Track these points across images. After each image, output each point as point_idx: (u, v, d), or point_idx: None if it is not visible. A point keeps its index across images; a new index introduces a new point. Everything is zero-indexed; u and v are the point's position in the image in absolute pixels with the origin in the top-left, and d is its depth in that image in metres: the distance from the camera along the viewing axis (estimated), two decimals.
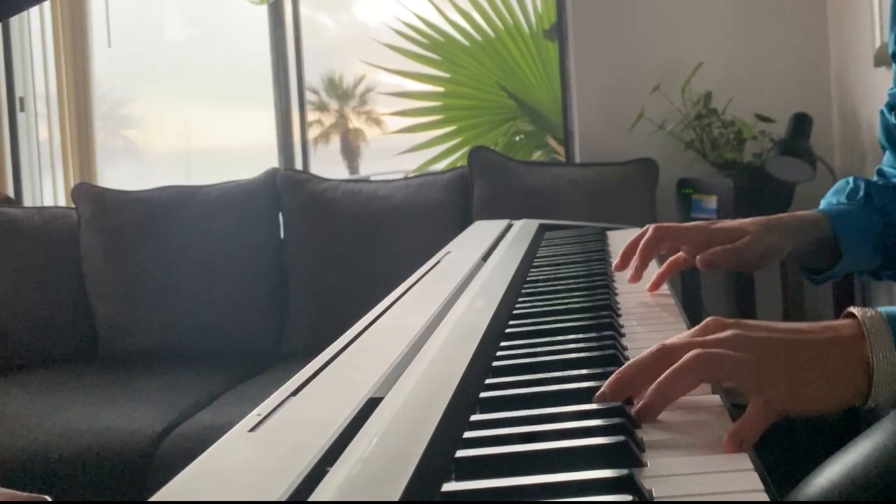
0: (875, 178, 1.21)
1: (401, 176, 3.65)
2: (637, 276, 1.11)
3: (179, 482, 0.51)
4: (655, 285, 1.09)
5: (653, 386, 0.66)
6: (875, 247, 1.13)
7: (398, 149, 4.57)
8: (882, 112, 1.19)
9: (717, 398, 0.69)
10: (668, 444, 0.62)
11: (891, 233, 1.14)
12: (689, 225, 1.10)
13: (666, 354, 0.68)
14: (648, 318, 0.99)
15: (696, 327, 0.72)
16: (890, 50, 1.18)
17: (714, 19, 2.96)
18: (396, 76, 4.57)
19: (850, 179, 1.19)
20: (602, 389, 0.67)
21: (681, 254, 1.10)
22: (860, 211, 1.14)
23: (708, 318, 0.72)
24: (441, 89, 4.46)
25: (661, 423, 0.65)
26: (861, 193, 1.15)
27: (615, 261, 1.16)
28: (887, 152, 1.22)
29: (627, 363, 0.69)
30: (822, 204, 1.18)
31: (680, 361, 0.66)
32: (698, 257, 1.06)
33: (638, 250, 1.11)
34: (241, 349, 2.83)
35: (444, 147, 4.34)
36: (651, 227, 1.10)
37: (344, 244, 2.83)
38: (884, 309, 0.71)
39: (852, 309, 0.71)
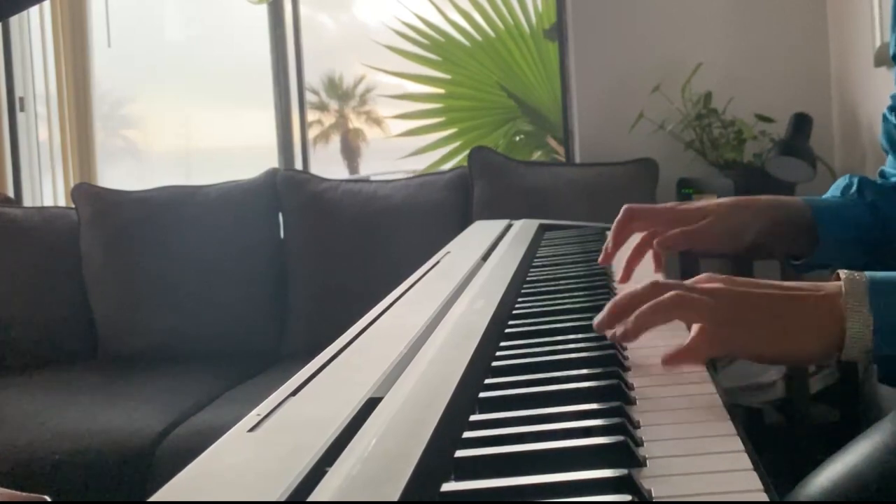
0: (877, 178, 1.22)
1: (401, 176, 3.65)
2: (609, 258, 1.14)
3: (179, 482, 0.51)
4: (626, 275, 1.11)
5: (633, 314, 0.74)
6: (861, 240, 1.13)
7: (398, 149, 4.57)
8: (885, 115, 1.19)
9: (717, 398, 0.70)
10: (668, 443, 0.62)
11: (880, 228, 1.14)
12: (658, 206, 1.13)
13: (657, 290, 0.75)
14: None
15: (692, 279, 0.77)
16: (891, 51, 1.19)
17: (714, 19, 2.96)
18: (397, 77, 4.57)
19: (847, 176, 1.20)
20: (600, 316, 0.77)
21: (644, 236, 1.11)
22: (849, 204, 1.15)
23: (703, 273, 0.78)
24: (441, 91, 4.45)
25: (661, 423, 0.65)
26: (854, 189, 1.16)
27: (615, 267, 1.18)
28: (890, 156, 1.22)
29: (622, 293, 0.78)
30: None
31: (661, 297, 0.74)
32: (655, 241, 1.08)
33: (612, 233, 1.13)
34: (241, 349, 2.83)
35: (445, 150, 4.34)
36: (623, 208, 1.12)
37: (344, 244, 2.84)
38: (871, 273, 0.74)
39: (840, 271, 0.75)
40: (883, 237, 1.14)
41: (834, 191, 1.19)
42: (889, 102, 1.18)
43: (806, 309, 0.73)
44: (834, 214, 1.11)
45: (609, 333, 0.76)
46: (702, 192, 2.71)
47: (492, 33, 4.29)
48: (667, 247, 1.08)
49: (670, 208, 1.11)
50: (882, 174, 1.22)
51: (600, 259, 1.16)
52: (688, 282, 0.76)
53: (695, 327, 0.75)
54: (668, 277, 1.16)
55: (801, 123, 2.64)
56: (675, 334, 0.81)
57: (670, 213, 1.10)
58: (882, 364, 0.75)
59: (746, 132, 2.76)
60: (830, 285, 0.74)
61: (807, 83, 2.89)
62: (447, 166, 4.27)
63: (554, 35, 3.62)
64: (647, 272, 1.13)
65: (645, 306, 0.74)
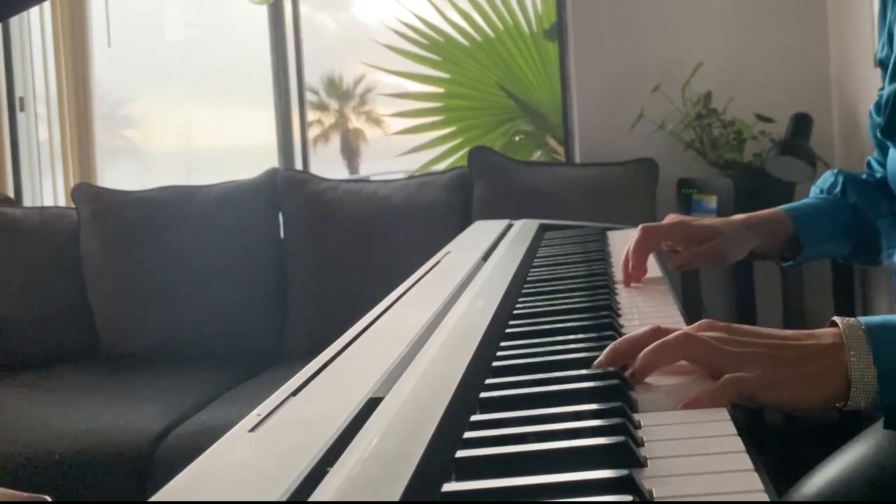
0: (865, 170, 1.33)
1: (401, 176, 3.65)
2: (637, 278, 1.19)
3: (179, 482, 0.52)
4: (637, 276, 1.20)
5: (641, 354, 0.75)
6: (844, 237, 1.27)
7: (399, 149, 4.57)
8: (870, 112, 1.24)
9: None
10: (669, 443, 0.62)
11: (861, 225, 1.26)
12: (671, 223, 1.24)
13: (659, 334, 0.76)
14: (648, 317, 0.99)
15: (692, 325, 0.78)
16: (877, 56, 1.23)
17: (714, 19, 2.96)
18: (396, 76, 4.57)
19: (834, 173, 1.31)
20: (599, 359, 0.77)
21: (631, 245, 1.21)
22: (831, 206, 1.27)
23: (702, 320, 0.78)
24: (441, 90, 4.45)
25: (661, 423, 0.65)
26: (838, 189, 1.29)
27: (615, 268, 1.22)
28: (876, 149, 1.32)
29: (622, 337, 0.78)
30: (812, 190, 1.34)
31: (668, 336, 0.75)
32: (670, 263, 1.24)
33: (631, 253, 1.19)
34: (241, 349, 2.83)
35: (444, 148, 4.34)
36: (639, 229, 1.21)
37: (344, 244, 2.83)
38: (864, 319, 0.75)
39: (835, 318, 0.76)
40: (864, 230, 1.26)
41: (822, 183, 1.32)
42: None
43: (811, 359, 0.73)
44: (814, 222, 1.26)
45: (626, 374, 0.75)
46: (702, 192, 2.71)
47: (491, 33, 4.29)
48: (680, 267, 1.23)
49: (684, 224, 1.22)
50: (869, 164, 1.33)
51: (623, 280, 1.19)
52: (688, 328, 0.77)
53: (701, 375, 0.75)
54: (670, 279, 1.21)
55: (801, 123, 2.64)
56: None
57: (684, 230, 1.22)
58: (888, 411, 0.75)
59: (746, 132, 2.76)
60: (826, 334, 0.75)
61: (807, 83, 2.89)
62: (446, 164, 4.27)
63: (554, 35, 3.62)
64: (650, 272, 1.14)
65: (650, 347, 0.75)
